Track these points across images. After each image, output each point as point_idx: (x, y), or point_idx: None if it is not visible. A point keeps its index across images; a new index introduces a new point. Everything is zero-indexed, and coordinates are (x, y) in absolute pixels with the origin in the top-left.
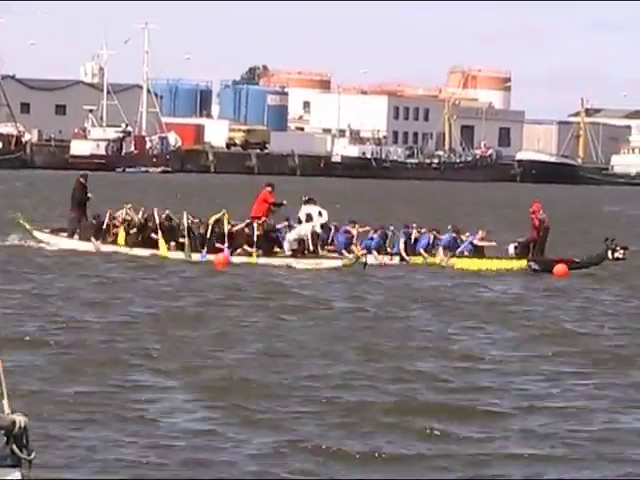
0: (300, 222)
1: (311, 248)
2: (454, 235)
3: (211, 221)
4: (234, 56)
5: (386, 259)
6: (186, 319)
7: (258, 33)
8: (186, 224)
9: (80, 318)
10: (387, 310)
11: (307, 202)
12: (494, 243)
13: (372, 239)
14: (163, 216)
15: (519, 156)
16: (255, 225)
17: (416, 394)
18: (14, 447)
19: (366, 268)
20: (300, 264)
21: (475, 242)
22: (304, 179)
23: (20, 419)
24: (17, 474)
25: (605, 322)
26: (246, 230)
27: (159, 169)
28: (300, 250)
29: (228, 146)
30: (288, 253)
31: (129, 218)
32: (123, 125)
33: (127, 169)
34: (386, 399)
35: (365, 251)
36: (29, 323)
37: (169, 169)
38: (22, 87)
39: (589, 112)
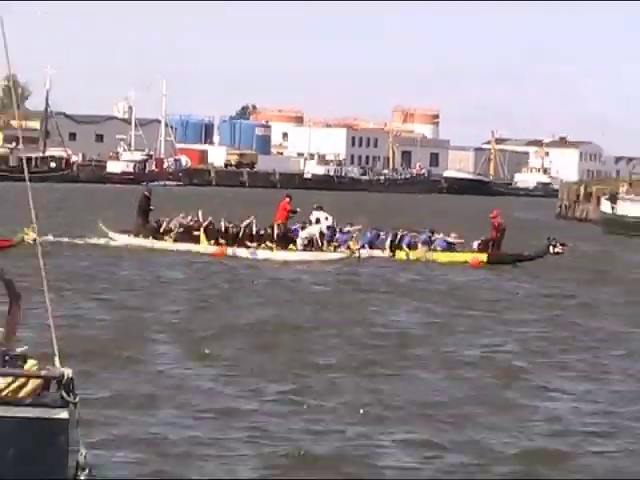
0: (311, 222)
1: (319, 244)
2: (429, 234)
3: (243, 224)
4: (230, 97)
5: (378, 252)
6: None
7: (249, 80)
8: (223, 226)
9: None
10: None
11: (317, 208)
12: (462, 240)
13: (367, 237)
14: (206, 222)
15: (445, 174)
16: (275, 226)
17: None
18: (63, 393)
19: (360, 261)
20: (309, 256)
21: (449, 240)
22: (283, 191)
23: (68, 371)
24: (65, 413)
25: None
26: (269, 231)
27: (173, 183)
28: (310, 246)
29: (226, 166)
30: (300, 248)
31: (184, 223)
32: (146, 150)
33: (149, 183)
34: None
35: (360, 246)
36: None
37: (181, 183)
38: (70, 121)
39: (498, 141)
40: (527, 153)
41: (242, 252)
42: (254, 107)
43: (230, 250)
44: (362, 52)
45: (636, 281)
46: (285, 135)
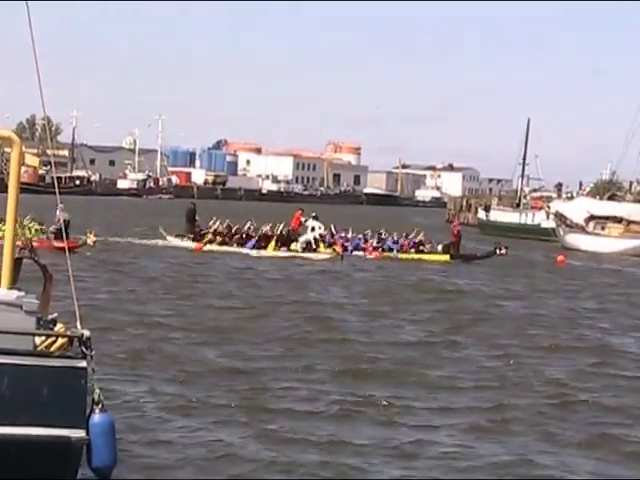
0: (307, 230)
1: (313, 246)
2: (405, 239)
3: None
4: (209, 132)
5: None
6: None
7: (222, 121)
8: (245, 229)
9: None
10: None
11: (313, 218)
12: (429, 246)
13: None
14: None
15: (365, 190)
16: (284, 232)
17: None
18: (82, 348)
19: (342, 259)
20: (306, 255)
21: (416, 240)
22: (246, 203)
23: (86, 332)
24: (84, 363)
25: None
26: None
27: (167, 196)
28: (307, 248)
29: (205, 183)
30: (300, 249)
31: (218, 228)
32: (147, 172)
33: (149, 196)
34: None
35: (342, 248)
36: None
37: (172, 196)
38: (91, 150)
39: (403, 166)
40: (425, 175)
41: (253, 252)
42: (226, 141)
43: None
44: (302, 102)
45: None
46: (248, 161)
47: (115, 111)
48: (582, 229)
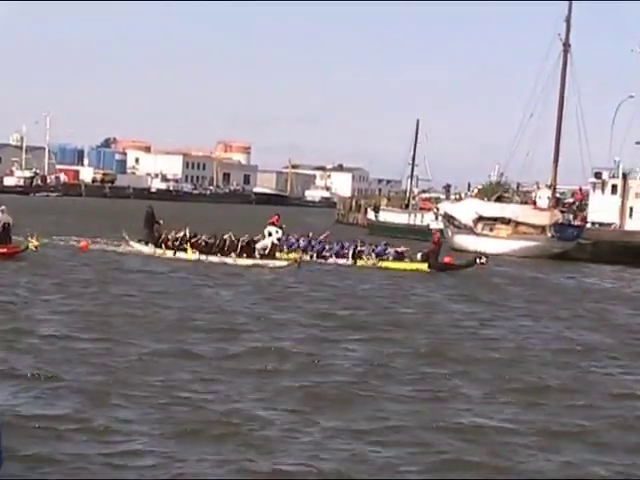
0: (264, 236)
1: (272, 253)
2: (384, 247)
3: (225, 236)
4: (97, 130)
5: (343, 261)
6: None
7: (111, 119)
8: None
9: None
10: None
11: (270, 223)
12: (411, 256)
13: (334, 247)
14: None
15: (255, 190)
16: (247, 239)
17: None
18: None
19: (300, 266)
20: (263, 262)
21: (399, 250)
22: (135, 201)
23: None
24: None
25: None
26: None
27: (54, 194)
28: (265, 255)
29: (93, 182)
30: (258, 256)
31: (179, 235)
32: (34, 169)
33: (36, 194)
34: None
35: (302, 254)
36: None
37: (60, 194)
38: None
39: (293, 166)
40: (314, 175)
41: (215, 259)
42: (115, 139)
43: (204, 257)
44: (192, 101)
45: None
46: (137, 160)
47: (1, 107)
48: (470, 230)
